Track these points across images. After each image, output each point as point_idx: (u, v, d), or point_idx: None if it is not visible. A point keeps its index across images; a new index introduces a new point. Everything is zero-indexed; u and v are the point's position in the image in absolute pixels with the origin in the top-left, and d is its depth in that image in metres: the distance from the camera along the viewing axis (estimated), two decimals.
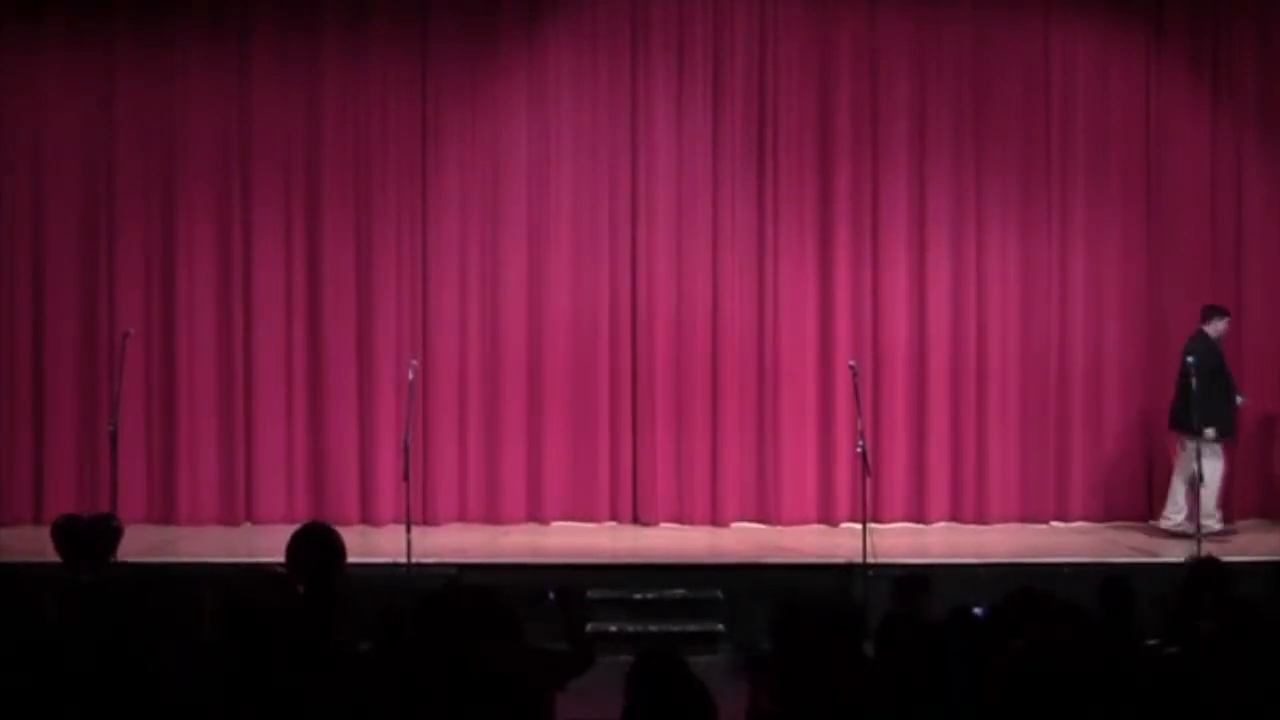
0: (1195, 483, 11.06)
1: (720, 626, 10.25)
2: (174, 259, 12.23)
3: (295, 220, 12.29)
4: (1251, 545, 11.20)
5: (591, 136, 12.35)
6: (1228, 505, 12.10)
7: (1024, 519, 12.32)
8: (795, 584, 10.02)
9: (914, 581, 7.05)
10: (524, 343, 12.31)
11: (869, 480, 10.77)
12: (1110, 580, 6.52)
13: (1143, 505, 12.38)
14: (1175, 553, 10.55)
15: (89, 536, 7.01)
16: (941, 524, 12.29)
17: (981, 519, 12.29)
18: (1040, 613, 6.27)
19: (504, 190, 12.32)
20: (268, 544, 11.33)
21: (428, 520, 11.87)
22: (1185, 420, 11.29)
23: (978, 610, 6.48)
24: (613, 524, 12.33)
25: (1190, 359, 11.25)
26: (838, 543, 11.37)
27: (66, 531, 7.03)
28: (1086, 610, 6.14)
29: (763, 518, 12.32)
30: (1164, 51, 12.48)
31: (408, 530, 10.43)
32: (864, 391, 11.57)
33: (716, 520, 12.26)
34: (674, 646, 5.36)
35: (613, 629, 10.15)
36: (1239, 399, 11.61)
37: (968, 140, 12.40)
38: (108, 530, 7.13)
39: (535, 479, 12.29)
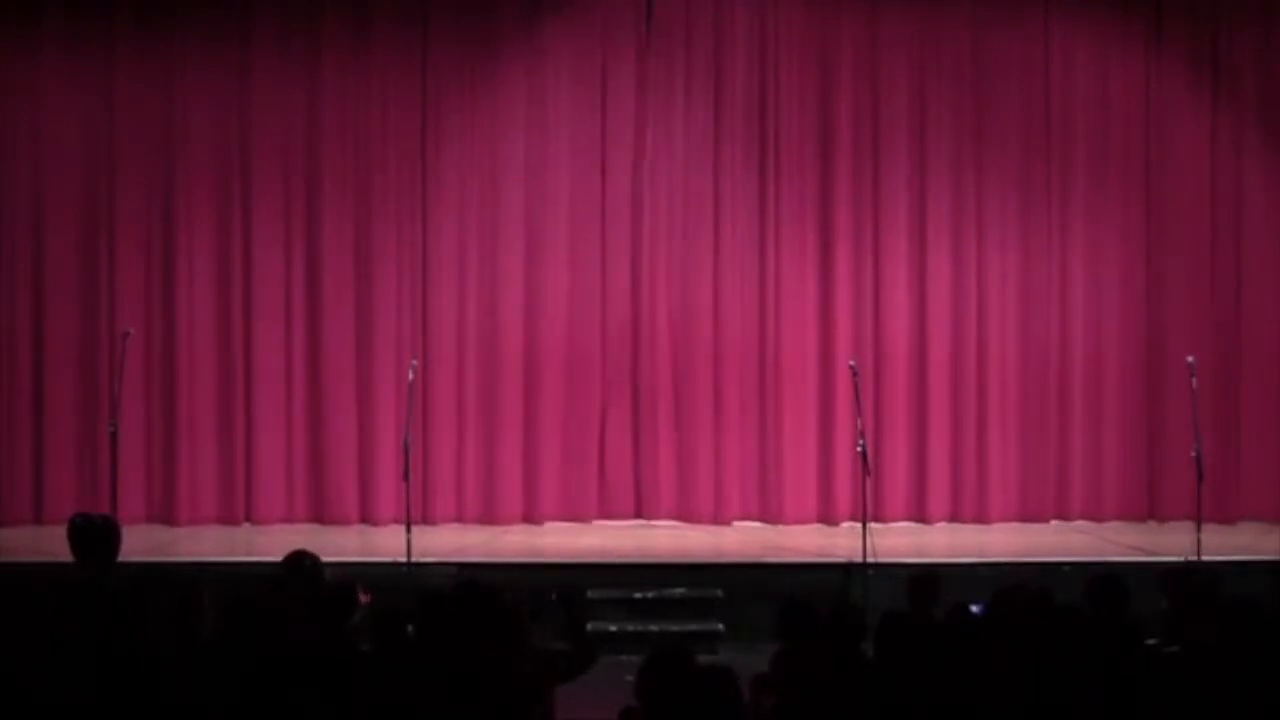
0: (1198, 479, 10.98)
1: (720, 626, 10.24)
2: (174, 259, 12.22)
3: (295, 220, 12.29)
4: (1251, 545, 11.20)
5: (591, 137, 12.34)
6: (1231, 505, 12.14)
7: (1024, 518, 12.32)
8: (798, 584, 9.98)
9: (928, 580, 7.03)
10: (524, 343, 12.30)
11: (869, 480, 10.77)
12: (1101, 579, 6.51)
13: (1143, 505, 12.38)
14: (1174, 552, 10.53)
15: (103, 536, 7.03)
16: (942, 523, 12.29)
17: (982, 518, 12.28)
18: (1030, 611, 6.28)
19: (504, 190, 12.32)
20: (268, 544, 11.36)
21: (427, 520, 11.86)
22: None
23: (975, 607, 6.48)
24: (613, 523, 12.33)
25: (1190, 359, 11.24)
26: (838, 543, 11.36)
27: (83, 530, 7.03)
28: (1080, 609, 6.15)
29: (763, 517, 12.32)
30: (1164, 51, 12.48)
31: (407, 530, 10.43)
32: (864, 391, 11.57)
33: (717, 519, 12.25)
34: (682, 644, 5.33)
35: (613, 629, 10.14)
36: None
37: (968, 140, 12.39)
38: (115, 530, 7.16)
39: (535, 479, 12.28)
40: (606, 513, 12.37)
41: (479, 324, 12.31)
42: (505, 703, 5.40)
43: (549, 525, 12.21)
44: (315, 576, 6.71)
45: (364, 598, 6.36)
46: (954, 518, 12.34)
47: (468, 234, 12.34)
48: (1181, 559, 10.04)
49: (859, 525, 10.55)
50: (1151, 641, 6.29)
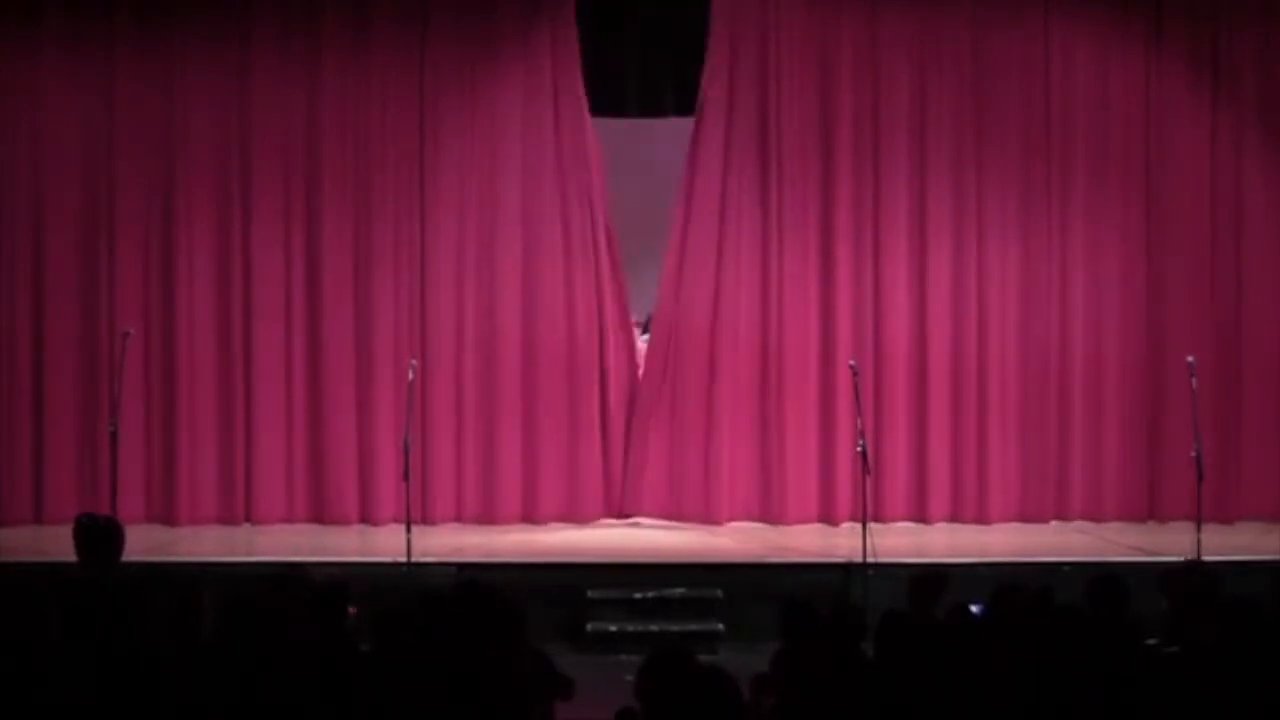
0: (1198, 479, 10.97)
1: (720, 626, 10.24)
2: (174, 259, 12.21)
3: (295, 220, 12.27)
4: (1251, 545, 11.20)
5: (590, 138, 12.33)
6: (1231, 505, 12.15)
7: (1024, 519, 12.31)
8: (798, 584, 9.97)
9: (931, 580, 7.02)
10: (523, 343, 12.28)
11: (869, 480, 10.77)
12: (1101, 579, 6.51)
13: (1143, 505, 12.38)
14: (1174, 552, 10.53)
15: (106, 536, 7.05)
16: (942, 523, 12.28)
17: (982, 518, 12.27)
18: (1030, 611, 6.28)
19: (502, 190, 12.30)
20: (268, 544, 11.38)
21: (426, 520, 11.83)
22: None
23: (974, 607, 6.49)
24: (612, 523, 12.33)
25: (1190, 359, 11.24)
26: (838, 543, 11.36)
27: (88, 530, 7.05)
28: (1080, 609, 6.16)
29: (763, 517, 12.30)
30: (1164, 51, 12.47)
31: (408, 529, 10.42)
32: (865, 391, 11.56)
33: (716, 520, 12.25)
34: (682, 644, 5.32)
35: (613, 629, 10.15)
36: None
37: (968, 140, 12.38)
38: (119, 531, 7.19)
39: (535, 478, 12.27)
40: (606, 512, 12.38)
41: (478, 324, 12.29)
42: (505, 703, 5.40)
43: (548, 525, 12.20)
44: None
45: (351, 610, 6.36)
46: (954, 518, 12.32)
47: (467, 234, 12.33)
48: (1181, 559, 10.03)
49: (859, 525, 10.55)
50: (1151, 641, 6.29)
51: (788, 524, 12.15)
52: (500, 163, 12.30)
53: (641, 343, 13.12)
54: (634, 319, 13.18)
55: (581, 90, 12.22)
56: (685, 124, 12.52)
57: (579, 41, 12.20)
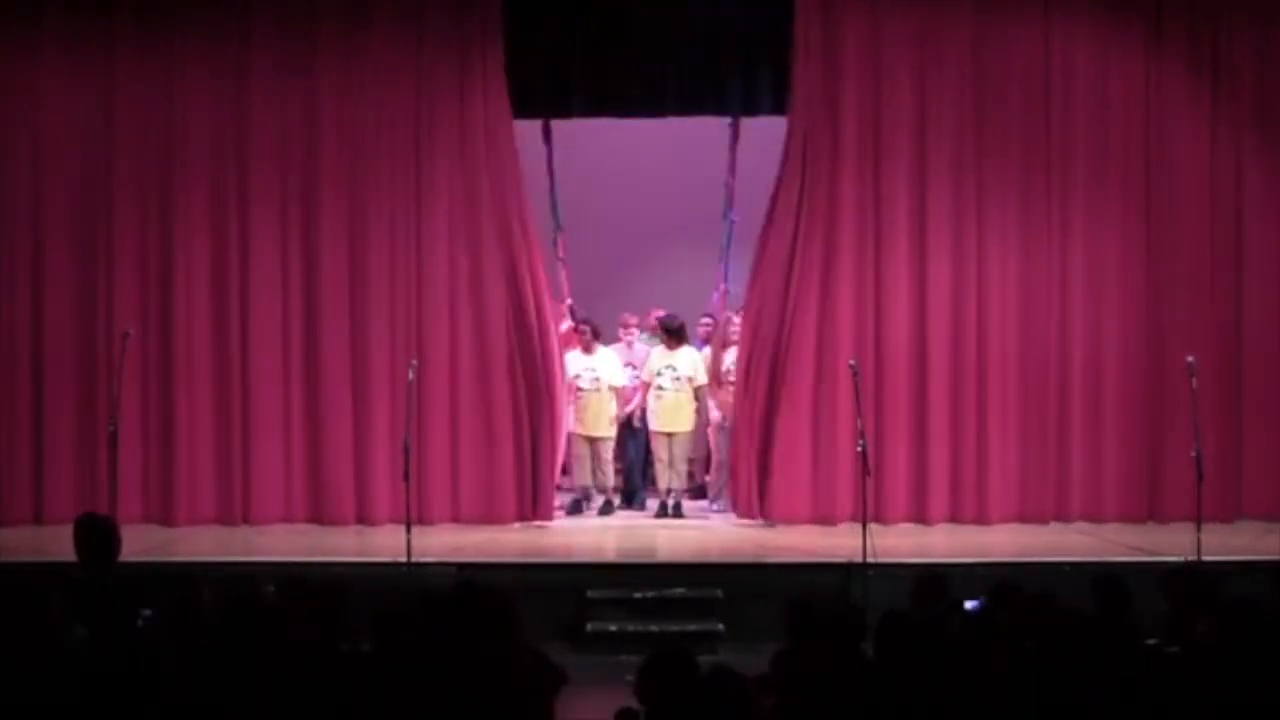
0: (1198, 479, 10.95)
1: (720, 626, 10.23)
2: (172, 259, 12.21)
3: (292, 221, 12.26)
4: (1251, 545, 11.19)
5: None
6: (1231, 505, 12.15)
7: (1024, 519, 12.30)
8: (798, 584, 9.96)
9: (933, 581, 7.02)
10: (520, 343, 12.25)
11: (869, 480, 10.76)
12: (1102, 579, 6.51)
13: (1143, 505, 12.37)
14: (1174, 552, 10.53)
15: (106, 536, 7.06)
16: (942, 524, 12.26)
17: (982, 519, 12.26)
18: (1030, 611, 6.29)
19: (495, 189, 12.26)
20: (266, 544, 11.37)
21: (423, 520, 11.80)
22: None
23: (970, 604, 6.49)
24: (613, 523, 12.32)
25: (1190, 359, 11.23)
26: (838, 543, 11.35)
27: (89, 529, 7.05)
28: (1080, 609, 6.16)
29: (764, 517, 12.29)
30: (1164, 51, 12.46)
31: (407, 530, 10.40)
32: (865, 392, 11.55)
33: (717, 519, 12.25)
34: (682, 644, 5.32)
35: (613, 629, 10.14)
36: None
37: (969, 141, 12.36)
38: (117, 531, 7.19)
39: (532, 478, 12.24)
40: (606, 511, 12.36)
41: (475, 324, 12.27)
42: (505, 703, 5.40)
43: (547, 525, 12.19)
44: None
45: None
46: (954, 518, 12.31)
47: (461, 233, 12.29)
48: (1181, 559, 10.03)
49: (859, 525, 10.54)
50: (1151, 641, 6.29)
51: (787, 524, 12.13)
52: (492, 163, 12.26)
53: (641, 345, 13.12)
54: (633, 319, 13.18)
55: (505, 91, 12.16)
56: (687, 125, 12.54)
57: (589, 45, 12.20)
